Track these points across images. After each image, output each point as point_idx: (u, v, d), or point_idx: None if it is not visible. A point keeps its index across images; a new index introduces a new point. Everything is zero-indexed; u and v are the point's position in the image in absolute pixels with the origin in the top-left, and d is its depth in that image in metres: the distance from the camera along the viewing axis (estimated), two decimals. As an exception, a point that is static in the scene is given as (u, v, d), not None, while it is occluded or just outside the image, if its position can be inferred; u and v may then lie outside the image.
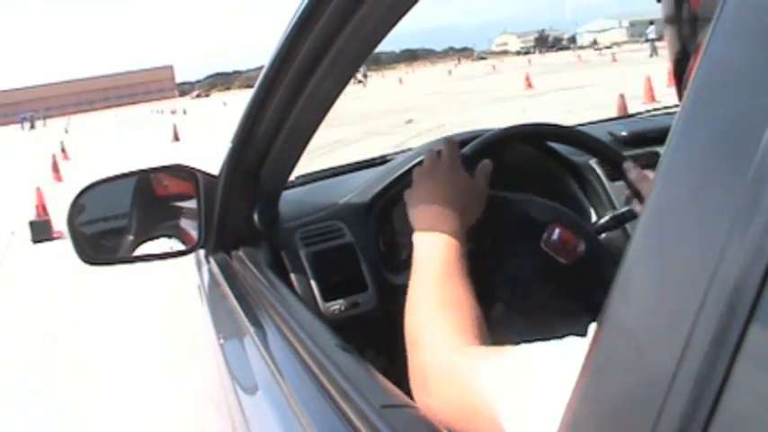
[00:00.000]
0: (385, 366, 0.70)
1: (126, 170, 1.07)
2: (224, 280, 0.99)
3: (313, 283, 1.08)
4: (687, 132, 0.25)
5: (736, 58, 0.24)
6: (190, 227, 1.08)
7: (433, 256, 0.67)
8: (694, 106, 0.25)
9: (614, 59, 27.10)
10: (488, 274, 0.87)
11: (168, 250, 1.08)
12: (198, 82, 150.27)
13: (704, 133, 0.24)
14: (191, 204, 1.05)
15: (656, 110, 1.78)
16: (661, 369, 0.24)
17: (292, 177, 1.12)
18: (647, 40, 30.31)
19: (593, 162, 1.20)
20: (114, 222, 1.11)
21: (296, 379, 0.63)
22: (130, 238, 1.07)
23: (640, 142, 1.37)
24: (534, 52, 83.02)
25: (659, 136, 1.37)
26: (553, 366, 0.41)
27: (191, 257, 1.21)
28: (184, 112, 33.28)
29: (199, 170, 1.05)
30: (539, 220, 0.87)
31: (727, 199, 0.22)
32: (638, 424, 0.25)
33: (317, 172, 1.42)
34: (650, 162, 1.24)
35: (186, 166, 1.06)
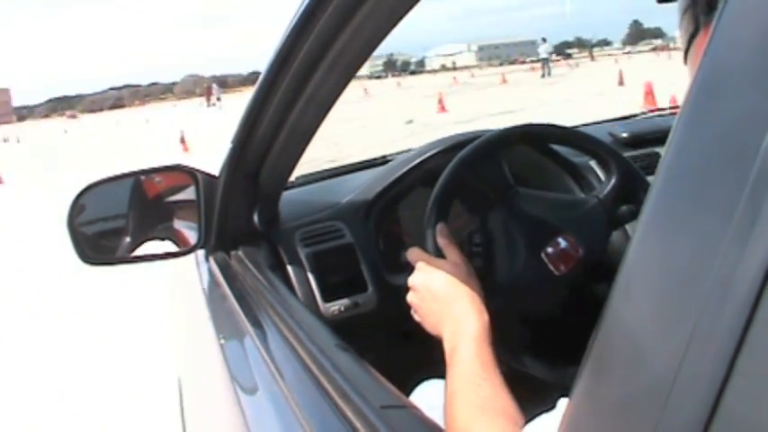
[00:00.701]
0: (384, 367, 0.69)
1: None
2: (224, 280, 0.99)
3: (313, 283, 1.08)
4: (687, 133, 0.25)
5: (737, 58, 0.24)
6: (189, 227, 1.08)
7: (460, 361, 0.67)
8: (694, 107, 0.25)
9: (504, 81, 23.48)
10: (485, 265, 0.86)
11: (168, 250, 1.08)
12: (37, 106, 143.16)
13: (704, 134, 0.24)
14: (190, 205, 1.05)
15: (660, 109, 1.78)
16: (661, 369, 0.24)
17: (292, 178, 1.12)
18: (539, 60, 26.18)
19: (592, 163, 1.20)
20: (114, 222, 1.11)
21: (295, 379, 0.63)
22: (130, 238, 1.07)
23: (641, 143, 1.37)
24: (387, 76, 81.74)
25: (659, 137, 1.37)
26: None
27: (190, 257, 1.21)
28: (18, 141, 27.84)
29: (199, 170, 1.05)
30: (549, 225, 0.87)
31: (728, 199, 0.22)
32: (639, 424, 0.25)
33: (317, 172, 1.42)
34: (650, 163, 1.24)
35: (186, 167, 1.06)
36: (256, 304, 0.86)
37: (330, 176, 1.39)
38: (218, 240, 1.07)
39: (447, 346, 0.71)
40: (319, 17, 0.66)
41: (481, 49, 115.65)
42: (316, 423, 0.55)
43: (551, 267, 0.84)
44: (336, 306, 1.07)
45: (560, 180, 1.19)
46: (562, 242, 0.85)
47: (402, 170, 1.20)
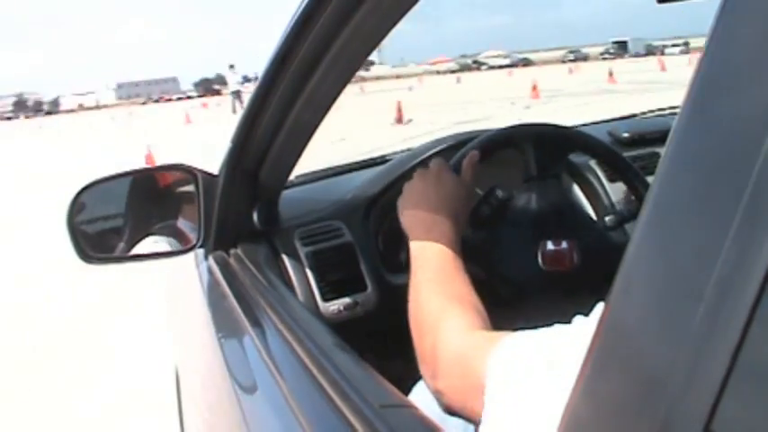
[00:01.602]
0: (383, 366, 0.69)
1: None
2: (223, 279, 0.99)
3: (312, 282, 1.08)
4: (687, 133, 0.25)
5: (737, 57, 0.24)
6: (188, 226, 1.08)
7: (433, 257, 0.69)
8: (695, 106, 0.25)
9: (188, 120, 18.92)
10: (484, 265, 0.88)
11: (168, 249, 1.08)
12: None
13: (705, 133, 0.24)
14: (189, 203, 1.05)
15: (660, 110, 1.78)
16: (661, 369, 0.24)
17: (292, 177, 1.12)
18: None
19: (592, 162, 1.20)
20: (114, 221, 1.11)
21: (295, 378, 0.63)
22: (130, 237, 1.07)
23: (641, 143, 1.37)
24: (18, 117, 76.06)
25: (660, 136, 1.37)
26: (545, 349, 0.44)
27: (190, 256, 1.21)
28: None
29: (198, 169, 1.05)
30: (565, 227, 0.88)
31: (728, 199, 0.22)
32: (638, 424, 0.25)
33: (316, 171, 1.42)
34: (650, 162, 1.25)
35: (185, 165, 1.06)
36: (255, 303, 0.86)
37: (330, 176, 1.39)
38: (218, 239, 1.07)
39: (415, 244, 0.72)
40: (318, 17, 0.66)
41: (120, 87, 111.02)
42: (314, 422, 0.55)
43: (540, 258, 0.86)
44: (336, 305, 1.07)
45: (560, 179, 1.19)
46: (564, 245, 0.86)
47: (401, 169, 1.20)
